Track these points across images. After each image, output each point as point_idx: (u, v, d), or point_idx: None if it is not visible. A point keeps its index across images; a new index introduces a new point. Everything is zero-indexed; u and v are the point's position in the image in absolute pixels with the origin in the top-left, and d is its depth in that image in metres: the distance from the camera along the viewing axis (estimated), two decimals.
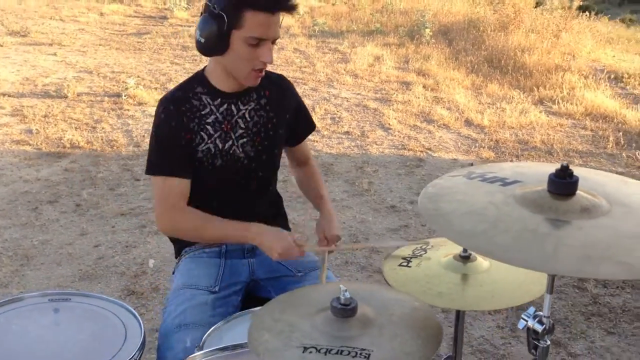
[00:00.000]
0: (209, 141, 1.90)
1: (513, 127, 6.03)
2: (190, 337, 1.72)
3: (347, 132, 5.73)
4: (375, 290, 1.22)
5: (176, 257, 2.11)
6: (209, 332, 1.68)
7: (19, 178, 4.61)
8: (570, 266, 0.94)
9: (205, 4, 1.81)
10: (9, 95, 6.45)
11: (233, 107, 1.93)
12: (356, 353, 0.95)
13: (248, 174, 1.99)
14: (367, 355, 0.95)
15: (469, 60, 8.20)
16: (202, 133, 1.89)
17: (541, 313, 1.19)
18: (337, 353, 0.94)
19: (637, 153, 5.34)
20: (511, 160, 5.29)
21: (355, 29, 10.06)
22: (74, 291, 1.87)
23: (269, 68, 1.90)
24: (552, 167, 1.17)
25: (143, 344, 1.62)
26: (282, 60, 8.01)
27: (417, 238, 3.87)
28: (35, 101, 6.34)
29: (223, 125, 1.92)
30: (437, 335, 1.05)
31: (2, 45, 8.48)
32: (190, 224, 1.91)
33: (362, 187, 4.60)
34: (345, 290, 1.03)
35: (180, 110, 1.87)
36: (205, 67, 1.94)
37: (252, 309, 1.75)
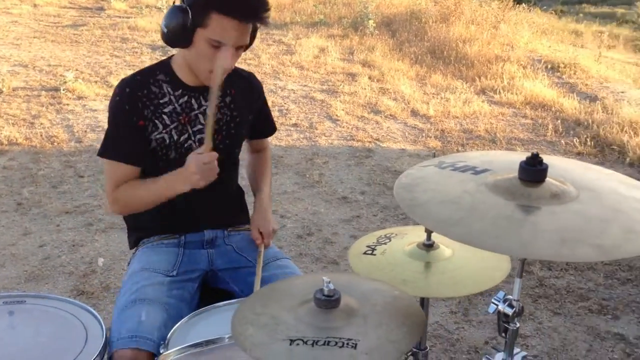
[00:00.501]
0: (164, 131, 1.86)
1: (457, 117, 6.15)
2: (145, 311, 1.70)
3: (295, 124, 5.71)
4: (354, 281, 1.22)
5: (132, 248, 2.06)
6: (172, 330, 1.65)
7: None
8: (548, 250, 0.96)
9: None
10: None
11: (194, 101, 1.90)
12: (343, 343, 0.94)
13: None
14: (354, 345, 0.94)
15: (413, 52, 8.30)
16: (156, 121, 1.85)
17: (511, 297, 1.22)
18: (324, 344, 0.94)
19: (574, 140, 5.54)
20: (457, 150, 5.40)
21: (299, 20, 10.03)
22: (29, 293, 1.79)
23: (252, 66, 1.87)
24: (518, 156, 1.20)
25: (106, 344, 1.58)
26: None
27: (368, 228, 3.91)
28: None
29: (181, 117, 1.88)
30: (421, 322, 1.06)
31: None
32: (130, 194, 1.88)
33: (313, 179, 4.60)
34: (329, 282, 1.02)
35: (136, 94, 1.83)
36: (172, 55, 1.90)
37: (216, 304, 1.73)
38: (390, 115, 6.12)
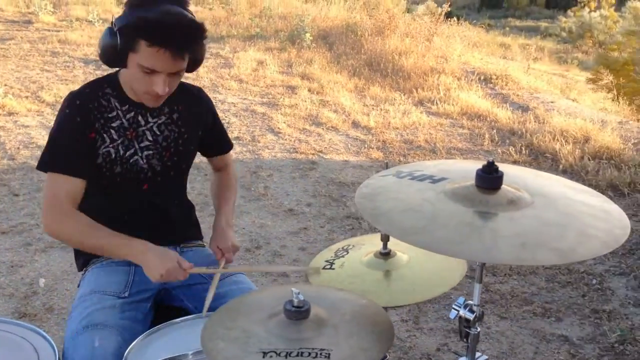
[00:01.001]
0: (111, 145, 1.82)
1: (398, 128, 6.27)
2: (98, 337, 1.64)
3: (237, 138, 5.69)
4: (322, 291, 1.23)
5: (80, 270, 2.00)
6: (128, 348, 1.61)
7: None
8: (509, 255, 1.00)
9: (112, 15, 1.75)
10: None
11: (140, 118, 1.87)
12: (316, 354, 0.95)
13: (152, 186, 1.92)
14: (327, 355, 0.95)
15: (350, 64, 8.42)
16: (104, 135, 1.81)
17: (471, 302, 1.25)
18: (297, 355, 0.94)
19: (510, 149, 5.74)
20: (399, 160, 5.50)
21: (236, 33, 10.02)
22: None
23: (189, 79, 1.84)
24: (472, 164, 1.24)
25: None
26: None
27: (316, 240, 3.93)
28: None
29: (127, 133, 1.85)
30: (389, 329, 1.08)
31: None
32: (75, 229, 1.78)
33: (259, 192, 4.59)
34: (299, 293, 1.03)
35: (87, 107, 1.79)
36: (119, 69, 1.87)
37: (171, 321, 1.70)
38: (332, 127, 6.18)
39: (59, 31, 9.61)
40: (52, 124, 1.84)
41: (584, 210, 1.15)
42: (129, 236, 1.79)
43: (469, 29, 12.36)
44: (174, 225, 2.02)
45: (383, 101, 7.09)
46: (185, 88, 1.98)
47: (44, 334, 1.64)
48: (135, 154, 1.86)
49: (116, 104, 1.83)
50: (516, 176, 1.29)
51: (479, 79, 8.12)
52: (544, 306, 3.30)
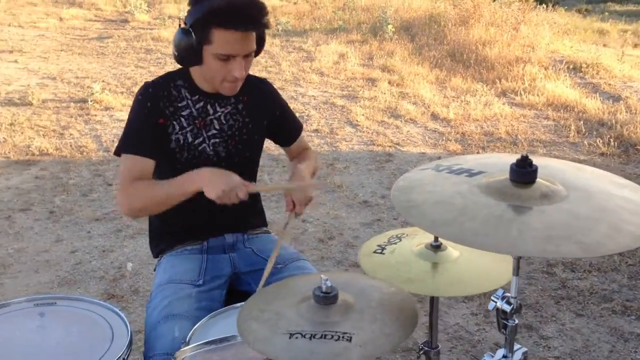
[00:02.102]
0: (180, 132, 1.95)
1: (478, 120, 6.18)
2: (178, 327, 1.77)
3: (316, 130, 5.81)
4: (353, 279, 1.30)
5: (156, 257, 2.15)
6: (193, 328, 1.74)
7: None
8: (534, 247, 1.03)
9: (180, 18, 1.86)
10: None
11: (209, 107, 1.99)
12: (339, 337, 1.02)
13: None
14: (349, 338, 1.02)
15: (432, 55, 8.35)
16: (174, 122, 1.94)
17: (509, 294, 1.28)
18: (321, 337, 1.02)
19: (597, 141, 5.54)
20: (477, 152, 5.43)
21: (318, 27, 10.14)
22: (60, 295, 1.90)
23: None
24: (513, 158, 1.26)
25: (130, 343, 1.67)
26: None
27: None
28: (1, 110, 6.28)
29: (197, 121, 1.97)
30: (414, 316, 1.14)
31: None
32: (140, 192, 1.89)
33: (334, 184, 4.68)
34: (327, 280, 1.10)
35: (158, 94, 1.92)
36: None
37: (234, 305, 1.81)
38: (410, 119, 6.18)
39: (152, 29, 10.09)
40: None
41: (621, 205, 1.16)
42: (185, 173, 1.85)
43: (562, 15, 11.90)
44: (239, 211, 2.13)
45: (464, 92, 6.99)
46: (249, 80, 2.08)
47: (120, 313, 1.80)
48: (203, 141, 1.99)
49: (186, 94, 1.96)
50: (557, 170, 1.30)
51: (568, 67, 7.84)
52: (625, 304, 3.20)
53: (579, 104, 6.55)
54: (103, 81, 7.28)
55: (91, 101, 6.47)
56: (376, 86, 7.18)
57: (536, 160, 1.25)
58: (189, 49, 1.83)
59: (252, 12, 1.79)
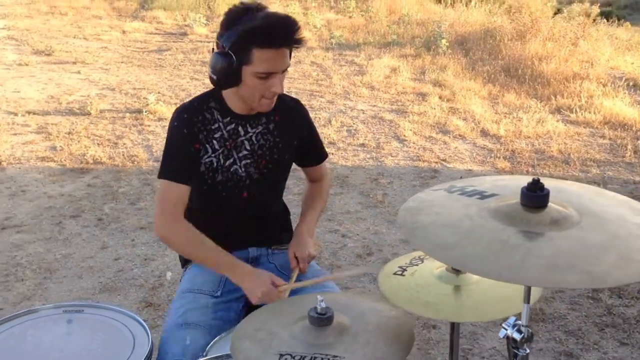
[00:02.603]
0: (213, 155, 1.99)
1: (529, 137, 6.04)
2: (190, 336, 1.81)
3: (362, 144, 5.80)
4: (355, 301, 1.28)
5: (183, 267, 2.20)
6: (211, 343, 1.76)
7: (44, 194, 4.76)
8: (537, 276, 0.99)
9: (216, 41, 1.91)
10: (34, 113, 6.64)
11: (240, 128, 2.02)
12: (328, 359, 1.00)
13: (250, 193, 2.06)
14: None
15: (486, 70, 8.22)
16: (207, 145, 1.98)
17: (520, 322, 1.24)
18: (310, 359, 1.01)
19: None
20: (527, 171, 5.30)
21: (372, 40, 10.14)
22: (87, 302, 1.96)
23: (287, 90, 1.97)
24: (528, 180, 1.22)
25: (150, 352, 1.71)
26: (299, 73, 8.12)
27: None
28: (59, 118, 6.53)
29: (227, 143, 2.01)
30: (410, 341, 1.11)
31: (27, 65, 8.73)
32: (183, 238, 1.98)
33: (377, 199, 4.66)
34: (322, 300, 1.09)
35: (192, 120, 1.97)
36: None
37: None
38: (459, 135, 6.10)
39: (209, 42, 10.31)
40: None
41: (635, 233, 1.10)
42: (231, 255, 1.96)
43: (627, 29, 11.52)
44: (269, 230, 2.16)
45: (517, 109, 6.85)
46: (282, 99, 2.10)
47: (142, 321, 1.84)
48: (234, 163, 2.02)
49: (218, 116, 2.00)
50: (574, 194, 1.25)
51: (628, 85, 7.57)
52: None
53: (637, 123, 6.31)
54: (158, 92, 7.48)
55: (145, 112, 6.65)
56: (426, 101, 7.12)
57: (552, 183, 1.21)
58: (228, 71, 1.86)
59: (288, 29, 1.85)
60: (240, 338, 1.12)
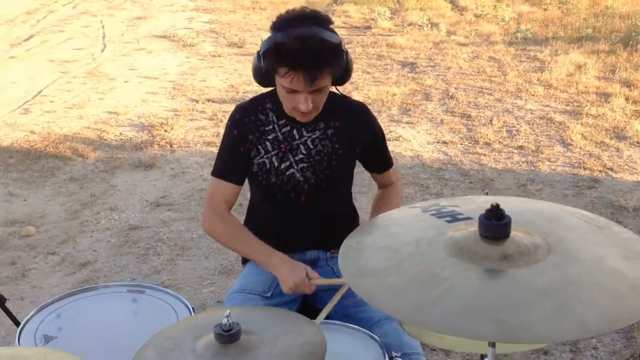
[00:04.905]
0: (265, 156, 2.00)
1: None
2: None
3: (520, 147, 5.41)
4: (288, 319, 1.20)
5: (243, 264, 2.24)
6: None
7: (199, 176, 5.14)
8: (437, 320, 0.86)
9: (261, 39, 1.92)
10: (213, 101, 7.18)
11: (295, 132, 2.00)
12: None
13: (309, 198, 2.04)
14: None
15: None
16: (259, 146, 2.00)
17: None
18: None
19: None
20: None
21: (563, 35, 9.37)
22: (148, 284, 2.08)
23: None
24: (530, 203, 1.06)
25: None
26: (473, 69, 7.79)
27: None
28: (232, 106, 7.00)
29: (282, 145, 2.00)
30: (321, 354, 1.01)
31: (220, 56, 9.45)
32: (224, 230, 2.03)
33: None
34: (227, 316, 1.04)
35: (244, 120, 2.00)
36: None
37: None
38: (638, 142, 5.42)
39: (390, 36, 10.32)
40: None
41: (601, 281, 0.90)
42: (268, 246, 1.96)
43: None
44: (329, 233, 2.11)
45: None
46: (345, 104, 2.05)
47: (188, 304, 1.91)
48: (290, 166, 2.01)
49: (274, 117, 2.01)
50: (571, 227, 1.06)
51: None
52: None
53: None
54: None
55: None
56: (608, 102, 6.42)
57: (550, 213, 1.03)
58: (261, 74, 1.88)
59: (314, 56, 1.76)
60: (150, 344, 1.11)
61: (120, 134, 5.99)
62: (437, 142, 5.52)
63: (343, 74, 1.92)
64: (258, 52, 1.89)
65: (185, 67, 8.58)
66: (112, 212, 4.46)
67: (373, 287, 0.95)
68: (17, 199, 4.66)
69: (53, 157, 5.38)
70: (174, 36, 10.26)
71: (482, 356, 1.53)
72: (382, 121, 5.99)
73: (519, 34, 9.47)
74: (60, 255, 3.88)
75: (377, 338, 1.59)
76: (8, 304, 2.43)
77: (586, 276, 0.91)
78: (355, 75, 8.16)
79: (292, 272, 1.88)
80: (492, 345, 1.05)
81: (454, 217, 1.10)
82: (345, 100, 2.07)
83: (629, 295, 0.88)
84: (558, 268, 0.93)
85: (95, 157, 5.42)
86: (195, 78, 8.25)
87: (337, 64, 1.85)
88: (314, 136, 2.01)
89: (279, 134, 2.00)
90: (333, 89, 2.01)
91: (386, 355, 1.47)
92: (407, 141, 5.62)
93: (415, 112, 6.37)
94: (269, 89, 2.03)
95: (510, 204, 1.09)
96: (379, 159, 2.16)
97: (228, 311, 1.05)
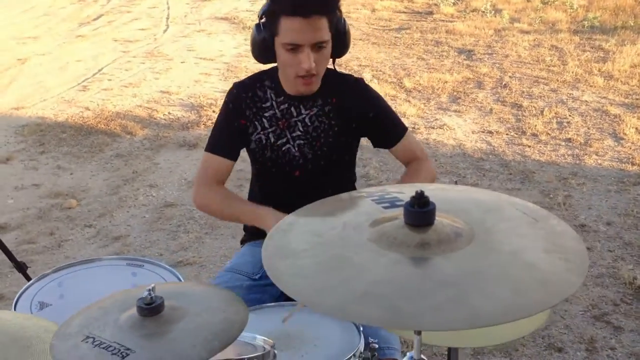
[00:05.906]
0: (262, 132, 2.01)
1: None
2: None
3: (568, 139, 5.22)
4: (202, 291, 1.20)
5: (241, 244, 2.27)
6: None
7: (239, 157, 5.21)
8: (336, 303, 0.85)
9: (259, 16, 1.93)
10: None
11: (293, 109, 2.00)
12: (118, 350, 0.97)
13: (303, 173, 2.04)
14: (125, 354, 0.96)
15: None
16: (256, 123, 2.00)
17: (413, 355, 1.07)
18: (104, 347, 0.98)
19: None
20: None
21: (632, 24, 8.92)
22: (148, 258, 2.13)
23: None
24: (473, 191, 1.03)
25: None
26: (532, 57, 7.53)
27: (595, 265, 3.42)
28: None
29: (280, 122, 2.01)
30: (229, 340, 1.00)
31: None
32: (215, 199, 2.05)
33: (557, 201, 4.18)
34: (151, 289, 1.05)
35: (241, 96, 2.01)
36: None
37: (266, 304, 1.79)
38: None
39: (450, 22, 10.10)
40: None
41: (514, 273, 0.86)
42: (258, 204, 1.99)
43: None
44: None
45: None
46: (342, 80, 2.03)
47: (178, 274, 1.95)
48: (287, 142, 2.02)
49: (272, 95, 2.01)
50: (514, 218, 1.02)
51: None
52: None
53: None
54: (379, 70, 7.59)
55: None
56: None
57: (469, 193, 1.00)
58: (262, 44, 1.87)
59: None
60: (82, 312, 1.13)
61: (169, 113, 6.14)
62: (482, 132, 5.39)
63: (341, 39, 1.90)
64: (257, 24, 1.89)
65: (241, 49, 8.67)
66: (151, 188, 4.59)
67: (284, 268, 0.94)
68: (65, 172, 4.86)
69: (103, 134, 5.58)
70: (234, 18, 10.38)
71: (451, 352, 1.49)
72: (429, 109, 5.89)
73: (587, 22, 9.09)
74: (97, 228, 4.03)
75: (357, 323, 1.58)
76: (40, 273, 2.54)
77: (496, 268, 0.88)
78: (409, 62, 8.07)
79: (277, 218, 1.86)
80: (418, 333, 1.03)
81: (392, 204, 1.08)
82: (342, 76, 2.05)
83: (534, 289, 0.84)
84: (472, 258, 0.90)
85: (143, 135, 5.58)
86: (250, 60, 8.31)
87: (334, 9, 1.84)
88: (311, 113, 2.01)
89: (276, 111, 2.01)
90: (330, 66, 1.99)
91: (362, 337, 1.45)
92: (451, 129, 5.51)
93: (465, 100, 6.23)
94: (269, 66, 2.04)
95: (448, 193, 1.06)
96: (389, 129, 2.10)
97: (152, 285, 1.07)
